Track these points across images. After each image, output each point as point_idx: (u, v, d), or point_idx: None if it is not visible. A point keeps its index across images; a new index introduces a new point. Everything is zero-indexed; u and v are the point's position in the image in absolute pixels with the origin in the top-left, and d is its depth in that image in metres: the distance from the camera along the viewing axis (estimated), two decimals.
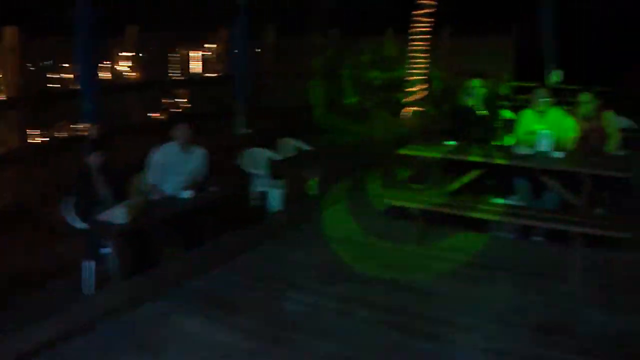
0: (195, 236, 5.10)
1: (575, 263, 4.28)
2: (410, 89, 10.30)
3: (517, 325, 3.69)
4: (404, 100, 10.48)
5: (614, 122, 5.54)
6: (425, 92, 10.22)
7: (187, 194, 5.04)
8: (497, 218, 4.68)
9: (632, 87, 14.27)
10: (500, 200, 5.27)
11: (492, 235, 5.20)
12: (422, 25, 10.39)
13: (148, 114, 9.38)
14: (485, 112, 5.84)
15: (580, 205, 4.68)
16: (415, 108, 10.07)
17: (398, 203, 5.02)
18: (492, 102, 5.96)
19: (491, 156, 5.01)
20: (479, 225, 5.09)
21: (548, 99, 5.34)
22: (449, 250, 4.90)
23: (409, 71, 10.51)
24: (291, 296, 4.09)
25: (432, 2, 10.13)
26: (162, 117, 9.74)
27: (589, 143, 5.19)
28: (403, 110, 10.39)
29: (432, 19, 10.30)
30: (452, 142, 5.45)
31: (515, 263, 4.64)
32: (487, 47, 13.27)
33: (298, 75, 13.07)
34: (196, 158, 5.41)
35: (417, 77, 10.27)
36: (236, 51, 9.47)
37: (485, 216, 4.65)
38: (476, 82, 5.83)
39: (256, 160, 7.19)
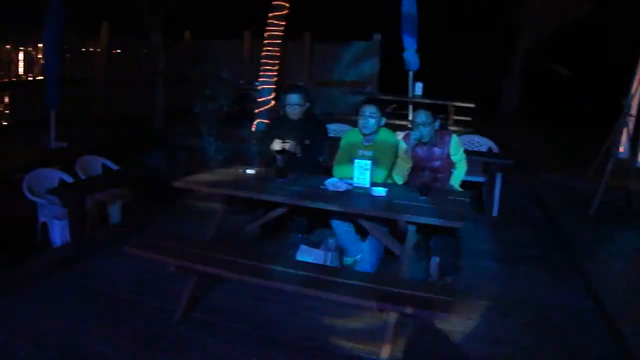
0: None
1: (388, 344, 3.19)
2: (260, 99, 9.08)
3: None
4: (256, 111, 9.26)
5: (460, 148, 4.48)
6: (273, 103, 9.03)
7: None
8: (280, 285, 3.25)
9: (498, 103, 13.99)
10: (305, 253, 4.09)
11: None
12: (275, 29, 9.21)
13: None
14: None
15: (402, 260, 3.58)
16: (261, 120, 8.85)
17: (144, 254, 3.48)
18: (317, 121, 4.76)
19: (289, 195, 3.72)
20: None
21: (375, 119, 4.23)
22: (223, 317, 3.61)
23: (259, 79, 9.30)
24: None
25: (286, 4, 8.98)
26: None
27: (424, 175, 4.12)
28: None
29: (284, 22, 9.13)
30: (251, 170, 4.21)
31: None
32: (351, 54, 12.44)
33: (135, 80, 11.61)
34: None
35: (267, 86, 9.06)
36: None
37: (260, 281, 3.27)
38: (294, 97, 4.63)
39: (43, 183, 5.78)
